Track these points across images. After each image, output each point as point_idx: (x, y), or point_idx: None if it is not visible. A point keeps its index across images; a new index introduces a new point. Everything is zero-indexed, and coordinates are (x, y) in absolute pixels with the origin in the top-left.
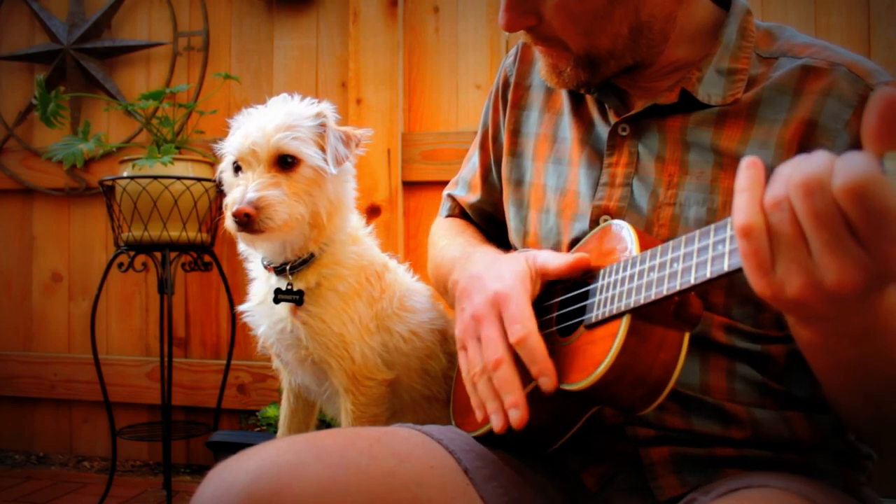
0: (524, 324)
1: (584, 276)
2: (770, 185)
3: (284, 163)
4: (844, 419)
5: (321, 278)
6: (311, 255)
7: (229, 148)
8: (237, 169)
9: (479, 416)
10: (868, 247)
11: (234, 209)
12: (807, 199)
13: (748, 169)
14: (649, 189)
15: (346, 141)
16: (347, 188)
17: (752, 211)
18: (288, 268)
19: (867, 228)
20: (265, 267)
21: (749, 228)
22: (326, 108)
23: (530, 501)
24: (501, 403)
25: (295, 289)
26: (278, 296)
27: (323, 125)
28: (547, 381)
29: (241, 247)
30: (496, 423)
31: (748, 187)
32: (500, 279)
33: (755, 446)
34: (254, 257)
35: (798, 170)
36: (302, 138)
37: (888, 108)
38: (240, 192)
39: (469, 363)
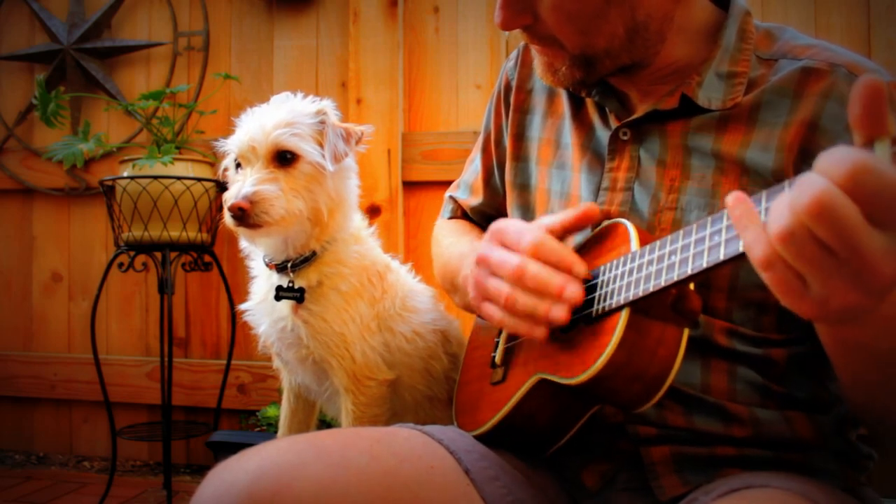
0: (532, 230)
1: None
2: (771, 215)
3: (283, 159)
4: (863, 417)
5: (323, 277)
6: (313, 253)
7: (230, 145)
8: (238, 166)
9: (525, 330)
10: None
11: (229, 203)
12: (819, 219)
13: (741, 204)
14: (650, 193)
15: (347, 137)
16: (349, 185)
17: (765, 244)
18: (289, 265)
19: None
20: (267, 265)
21: (769, 261)
22: (327, 105)
23: (532, 501)
24: (551, 295)
25: (296, 286)
26: (279, 293)
27: (323, 122)
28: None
29: (243, 244)
30: (557, 314)
31: (750, 223)
32: None
33: (756, 445)
34: (255, 255)
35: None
36: (301, 135)
37: (871, 95)
38: (237, 187)
39: (495, 294)
